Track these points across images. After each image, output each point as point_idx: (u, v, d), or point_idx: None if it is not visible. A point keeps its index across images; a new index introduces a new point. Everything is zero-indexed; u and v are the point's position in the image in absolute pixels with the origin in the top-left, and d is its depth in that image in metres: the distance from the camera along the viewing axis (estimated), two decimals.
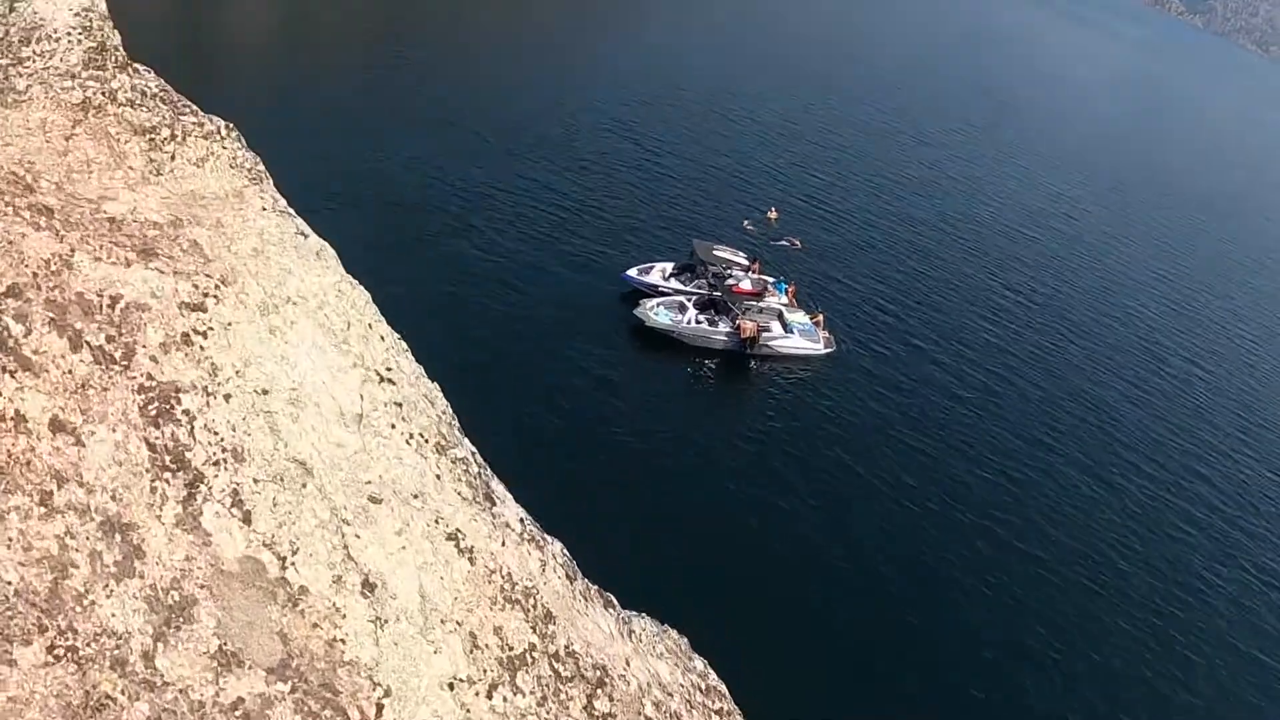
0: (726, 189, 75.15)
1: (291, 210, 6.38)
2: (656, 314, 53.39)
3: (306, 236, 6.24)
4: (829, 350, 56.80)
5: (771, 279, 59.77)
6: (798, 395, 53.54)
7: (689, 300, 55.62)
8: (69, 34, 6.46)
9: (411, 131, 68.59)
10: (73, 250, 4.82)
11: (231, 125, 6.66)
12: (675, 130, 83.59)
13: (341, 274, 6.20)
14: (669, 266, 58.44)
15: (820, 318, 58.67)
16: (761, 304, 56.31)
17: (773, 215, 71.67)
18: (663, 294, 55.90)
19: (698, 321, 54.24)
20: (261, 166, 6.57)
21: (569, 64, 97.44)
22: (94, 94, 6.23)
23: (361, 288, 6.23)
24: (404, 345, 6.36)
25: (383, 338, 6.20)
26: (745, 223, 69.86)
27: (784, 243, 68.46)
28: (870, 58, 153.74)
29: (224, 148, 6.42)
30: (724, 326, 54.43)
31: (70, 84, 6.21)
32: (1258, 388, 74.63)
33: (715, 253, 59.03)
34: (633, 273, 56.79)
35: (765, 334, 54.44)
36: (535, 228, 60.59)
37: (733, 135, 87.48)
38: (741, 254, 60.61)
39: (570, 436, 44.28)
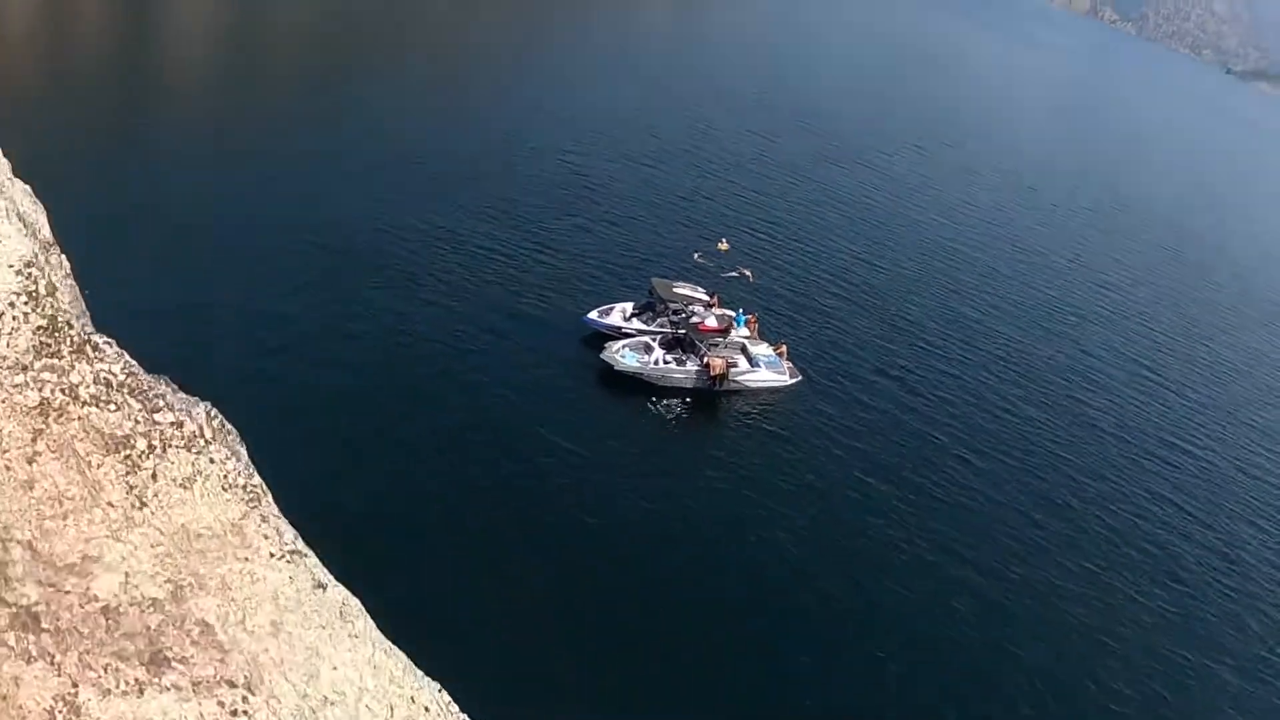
0: (675, 223, 74.73)
1: (301, 544, 5.62)
2: (623, 356, 52.76)
3: (325, 588, 5.47)
4: (795, 380, 56.92)
5: (731, 312, 59.42)
6: (768, 428, 53.39)
7: (654, 340, 55.12)
8: (13, 306, 5.44)
9: (351, 177, 67.90)
10: (75, 686, 3.96)
11: (213, 411, 5.93)
12: (620, 167, 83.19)
13: (374, 642, 5.43)
14: (629, 307, 57.88)
15: (783, 348, 58.78)
16: (725, 339, 55.98)
17: (723, 246, 70.79)
18: (626, 335, 55.27)
19: (665, 361, 53.69)
20: (256, 477, 5.75)
21: (508, 105, 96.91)
22: (52, 392, 5.30)
23: (396, 651, 5.52)
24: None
25: (426, 709, 5.46)
26: (695, 255, 68.85)
27: (735, 274, 67.49)
28: (807, 82, 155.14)
29: (211, 460, 5.55)
30: (692, 365, 54.05)
31: (22, 379, 5.25)
32: (1217, 408, 75.54)
33: (675, 290, 58.63)
34: (594, 315, 56.14)
35: (733, 369, 54.19)
36: (486, 275, 59.73)
37: (676, 169, 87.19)
38: (700, 289, 60.28)
39: (542, 486, 43.68)
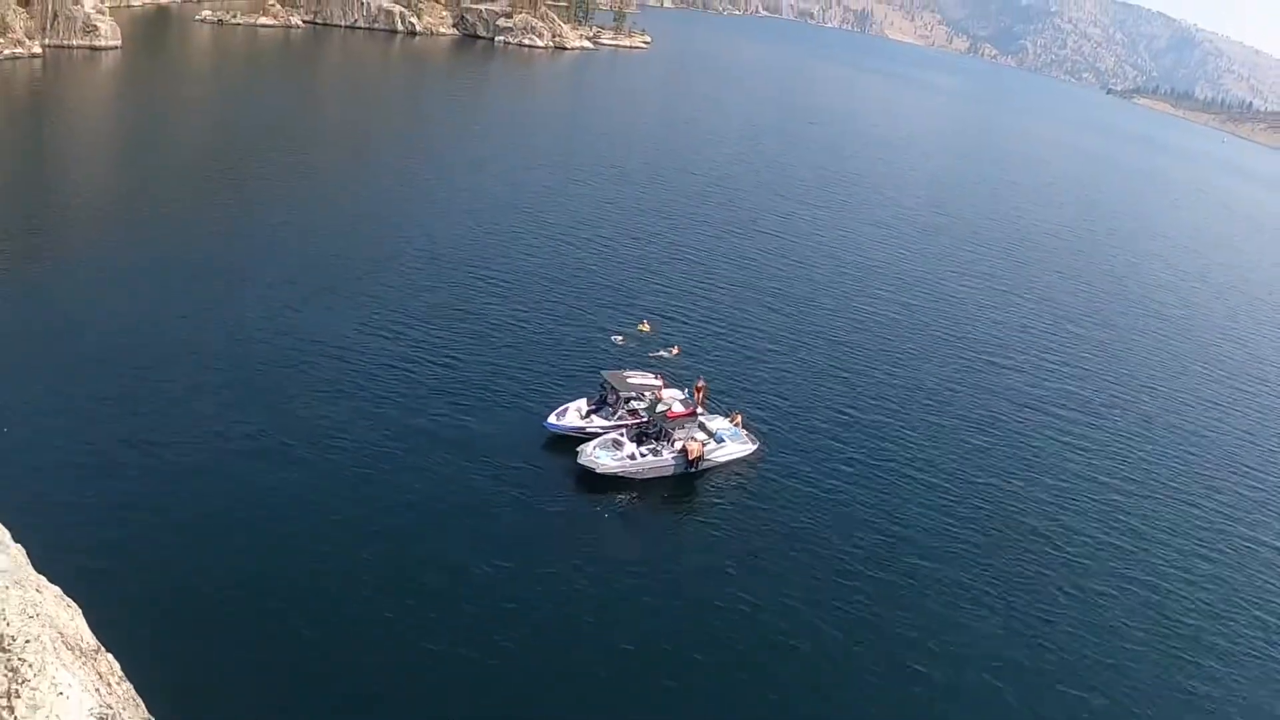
0: (594, 309, 71.40)
1: None
2: (598, 457, 50.07)
3: None
4: (757, 447, 55.56)
5: (679, 393, 56.86)
6: (747, 502, 51.27)
7: (622, 435, 52.61)
8: None
9: (251, 290, 64.04)
10: None
11: None
12: (529, 260, 79.63)
13: None
14: (583, 404, 55.10)
15: (739, 417, 57.42)
16: (694, 421, 54.58)
17: (644, 327, 68.21)
18: (590, 435, 52.63)
19: (642, 455, 51.45)
20: None
21: (393, 203, 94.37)
22: None
23: None
24: None
25: None
26: (615, 338, 66.34)
27: (662, 353, 65.14)
28: (702, 147, 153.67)
29: None
30: (668, 453, 52.15)
31: None
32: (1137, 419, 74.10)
33: (629, 381, 55.91)
34: (553, 420, 53.04)
35: (706, 448, 52.75)
36: (423, 388, 55.48)
37: (584, 256, 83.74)
38: (650, 375, 57.58)
39: (539, 600, 40.14)
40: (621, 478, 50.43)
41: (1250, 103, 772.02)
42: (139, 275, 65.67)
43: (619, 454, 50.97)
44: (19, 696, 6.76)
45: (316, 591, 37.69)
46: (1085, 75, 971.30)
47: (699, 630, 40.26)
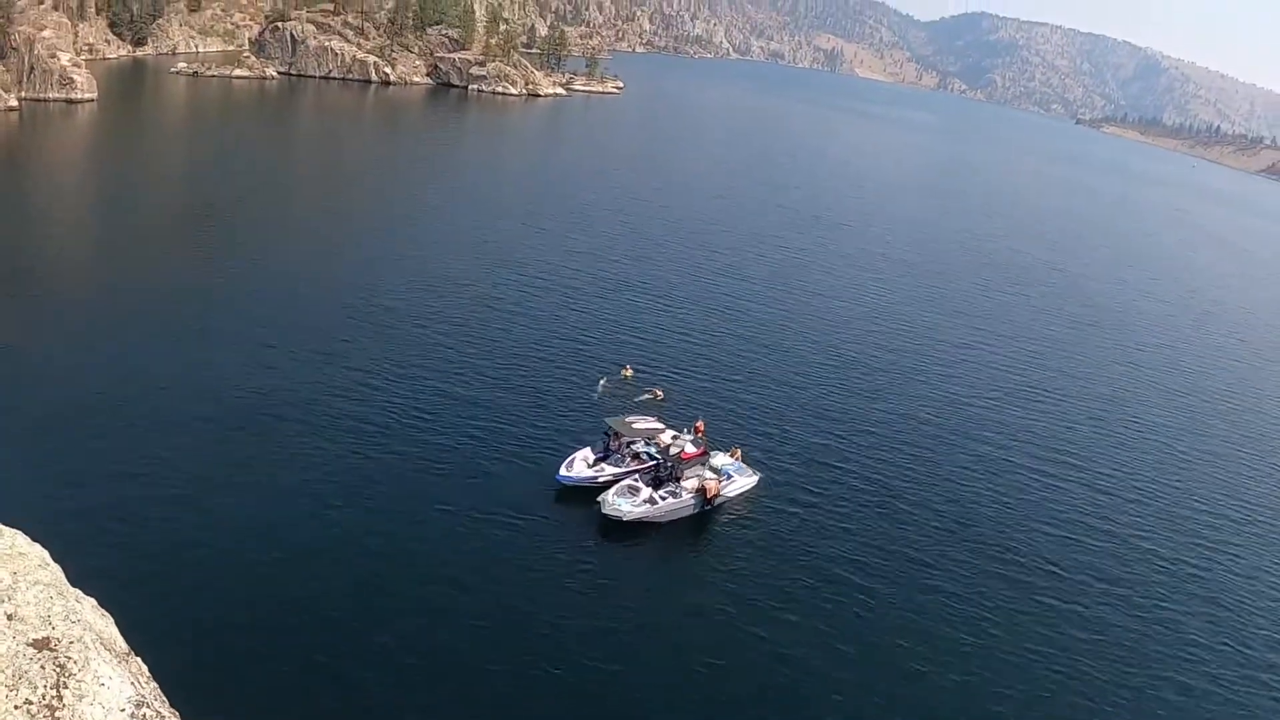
0: (570, 358, 71.14)
1: None
2: (621, 506, 50.13)
3: None
4: (757, 479, 56.26)
5: (687, 435, 57.57)
6: (756, 534, 51.87)
7: (636, 480, 52.94)
8: None
9: (224, 347, 62.94)
10: None
11: None
12: (500, 312, 79.23)
13: None
14: (588, 453, 54.90)
15: (738, 451, 58.05)
16: (705, 462, 55.39)
17: (627, 373, 68.33)
18: (604, 483, 52.72)
19: (662, 498, 51.72)
20: None
21: (372, 254, 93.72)
22: None
23: None
24: None
25: None
26: (601, 382, 66.47)
27: (646, 396, 65.28)
28: (672, 186, 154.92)
29: None
30: (687, 495, 52.45)
31: None
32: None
33: (634, 426, 56.20)
34: (565, 472, 52.72)
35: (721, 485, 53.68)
36: (414, 454, 53.77)
37: (556, 303, 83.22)
38: (652, 419, 58.06)
39: (578, 649, 39.99)
40: (643, 522, 50.68)
41: (1218, 126, 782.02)
42: (119, 326, 65.67)
43: (640, 499, 51.14)
44: (67, 688, 7.89)
45: (329, 647, 37.49)
46: (1054, 106, 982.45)
47: (745, 666, 40.65)
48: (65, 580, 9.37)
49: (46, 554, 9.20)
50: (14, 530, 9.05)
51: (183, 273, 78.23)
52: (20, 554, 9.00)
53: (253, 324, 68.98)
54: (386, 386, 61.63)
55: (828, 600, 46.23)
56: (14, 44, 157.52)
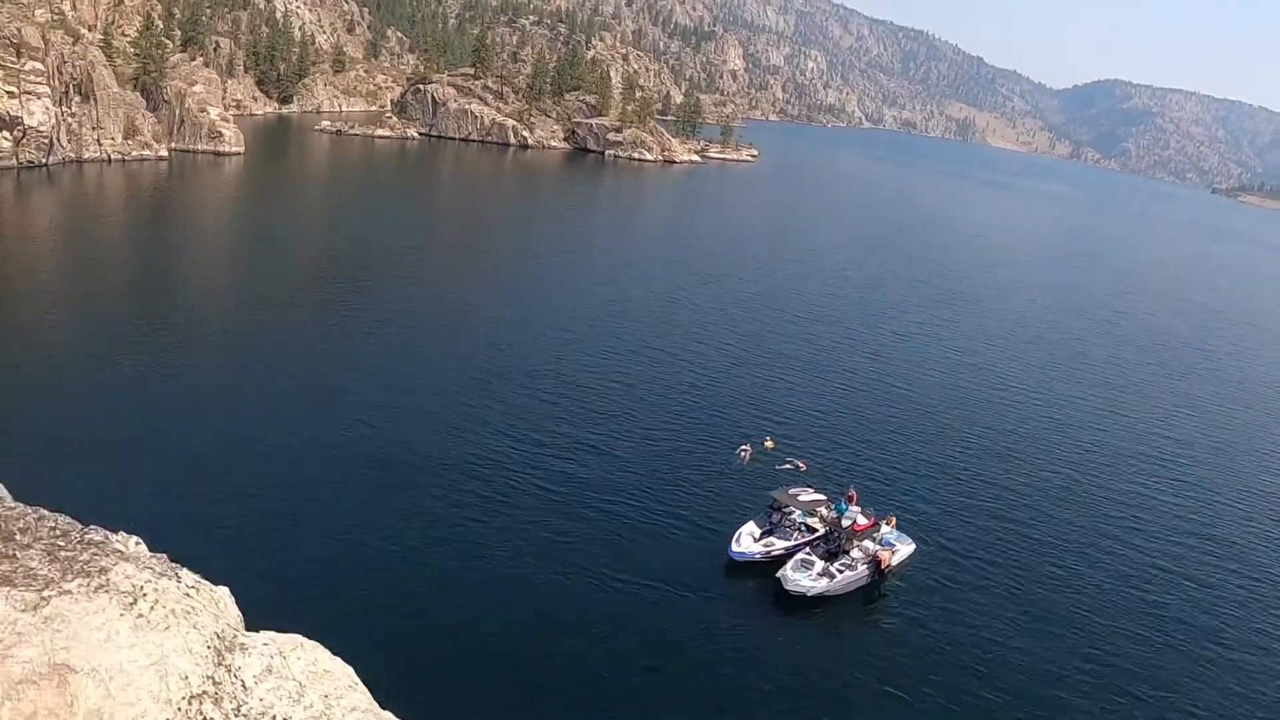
0: (711, 427, 70.12)
1: None
2: (801, 580, 49.74)
3: None
4: (915, 546, 55.69)
5: (822, 495, 57.09)
6: (924, 604, 51.14)
7: (808, 552, 52.54)
8: None
9: (362, 403, 63.71)
10: None
11: None
12: (643, 379, 78.58)
13: None
14: (753, 527, 54.07)
15: (893, 519, 57.19)
16: (877, 533, 55.22)
17: (769, 444, 67.16)
18: (777, 557, 52.22)
19: (839, 571, 51.21)
20: None
21: (489, 316, 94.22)
22: None
23: None
24: None
25: None
26: (742, 451, 65.18)
27: (788, 466, 64.09)
28: (808, 254, 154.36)
29: None
30: (862, 566, 51.99)
31: None
32: None
33: (800, 499, 55.81)
34: (737, 547, 52.09)
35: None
36: (578, 532, 52.77)
37: (696, 370, 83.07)
38: (811, 490, 57.65)
39: None
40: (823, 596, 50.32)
41: None
42: (260, 375, 67.52)
43: (816, 573, 50.60)
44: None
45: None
46: (1189, 175, 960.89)
47: None
48: (375, 703, 8.14)
49: (352, 671, 8.01)
50: (314, 644, 8.25)
51: (325, 322, 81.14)
52: (326, 672, 8.06)
53: (391, 381, 70.13)
54: (523, 452, 61.57)
55: (1011, 668, 45.62)
56: (166, 97, 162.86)
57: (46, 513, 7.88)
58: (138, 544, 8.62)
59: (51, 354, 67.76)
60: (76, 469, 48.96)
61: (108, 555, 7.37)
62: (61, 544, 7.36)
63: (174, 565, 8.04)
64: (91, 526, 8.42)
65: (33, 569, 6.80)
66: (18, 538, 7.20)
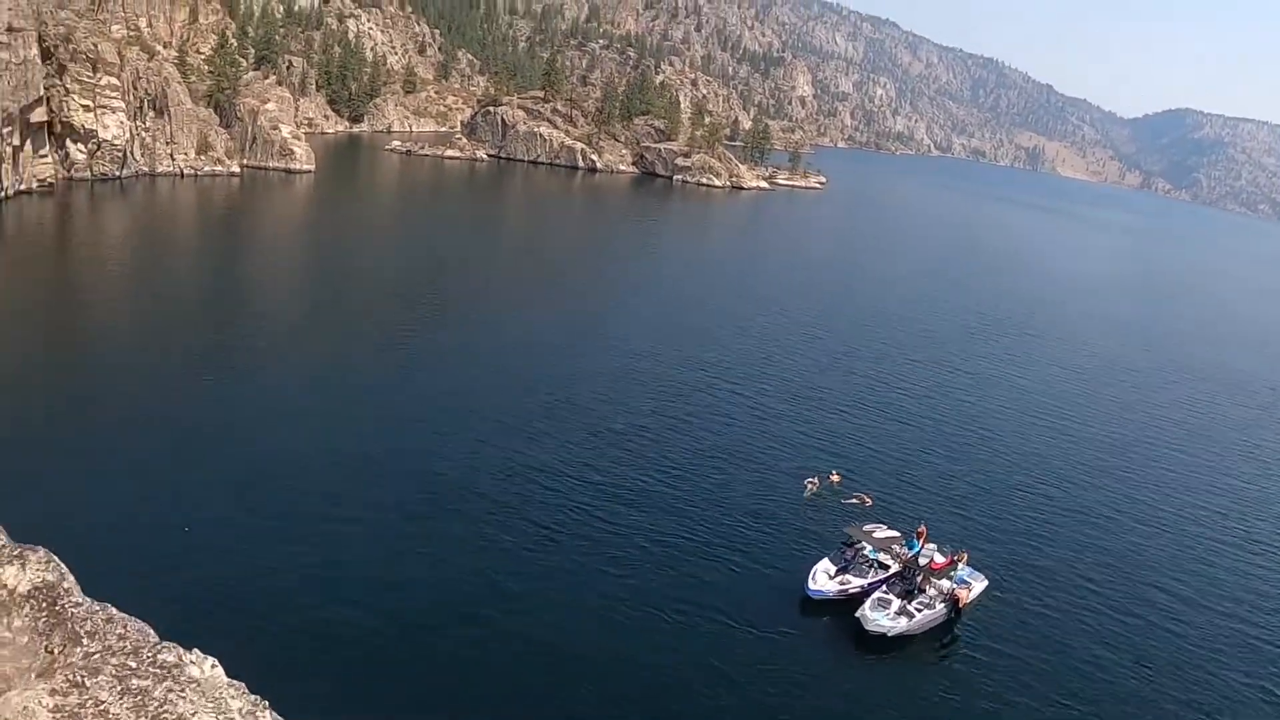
0: (779, 461, 69.33)
1: None
2: (880, 620, 49.21)
3: None
4: (987, 583, 55.18)
5: (896, 532, 57.11)
6: (999, 641, 50.72)
7: (885, 590, 52.14)
8: None
9: (436, 422, 63.79)
10: None
11: None
12: (709, 409, 78.65)
13: None
14: (828, 565, 53.67)
15: (964, 556, 56.65)
16: (955, 570, 54.87)
17: (835, 478, 66.29)
18: (852, 595, 51.82)
19: (918, 609, 50.61)
20: None
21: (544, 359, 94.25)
22: None
23: None
24: None
25: None
26: (808, 484, 64.29)
27: (854, 501, 63.38)
28: (883, 287, 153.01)
29: None
30: (940, 604, 51.56)
31: None
32: None
33: (876, 536, 55.75)
34: (813, 585, 51.66)
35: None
36: (650, 565, 52.61)
37: (761, 401, 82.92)
38: (884, 526, 57.67)
39: None
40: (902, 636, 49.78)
41: None
42: (330, 389, 68.85)
43: (894, 612, 50.11)
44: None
45: None
46: (1261, 206, 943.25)
47: None
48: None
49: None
50: None
51: (392, 340, 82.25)
52: None
53: (457, 409, 70.28)
54: (587, 482, 61.42)
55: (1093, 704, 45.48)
56: (239, 114, 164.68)
57: (115, 613, 7.38)
58: (214, 667, 7.96)
59: (119, 358, 69.92)
60: (141, 479, 50.30)
61: (183, 690, 6.76)
62: (133, 665, 6.76)
63: (256, 699, 7.40)
64: (164, 645, 7.74)
65: (104, 704, 6.24)
66: (85, 643, 6.66)
